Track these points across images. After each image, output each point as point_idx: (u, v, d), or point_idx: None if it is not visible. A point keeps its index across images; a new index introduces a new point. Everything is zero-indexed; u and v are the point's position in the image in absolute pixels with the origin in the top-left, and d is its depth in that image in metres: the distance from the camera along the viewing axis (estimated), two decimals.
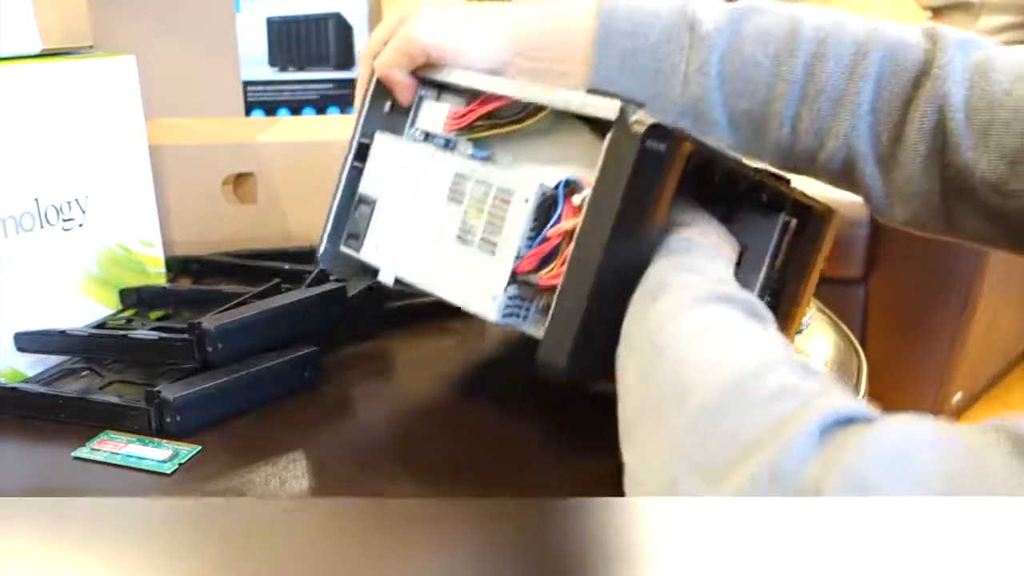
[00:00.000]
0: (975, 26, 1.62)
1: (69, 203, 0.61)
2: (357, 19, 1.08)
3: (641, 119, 0.41)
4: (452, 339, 0.65)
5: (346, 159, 0.57)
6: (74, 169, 0.61)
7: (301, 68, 1.08)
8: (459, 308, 0.66)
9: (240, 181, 0.78)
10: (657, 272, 0.42)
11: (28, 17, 0.59)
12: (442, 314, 0.66)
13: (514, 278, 0.45)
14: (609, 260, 0.41)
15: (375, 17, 1.08)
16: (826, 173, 0.55)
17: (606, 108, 0.43)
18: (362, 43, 1.09)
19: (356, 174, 0.56)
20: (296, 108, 1.09)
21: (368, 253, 0.54)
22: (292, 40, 1.07)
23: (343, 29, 1.08)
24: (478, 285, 0.46)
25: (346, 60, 1.09)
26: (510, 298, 0.45)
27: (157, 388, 0.51)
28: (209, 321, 0.54)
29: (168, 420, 0.51)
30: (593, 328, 0.41)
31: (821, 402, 0.31)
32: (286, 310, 0.57)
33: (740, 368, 0.34)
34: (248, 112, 1.08)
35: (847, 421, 0.30)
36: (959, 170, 0.50)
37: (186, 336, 0.54)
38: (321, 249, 0.57)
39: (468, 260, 0.47)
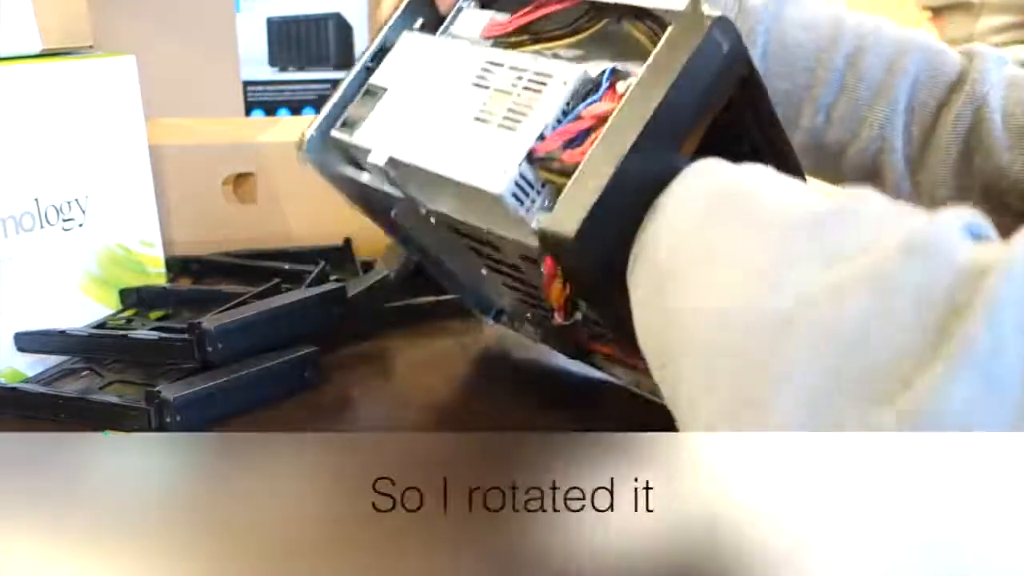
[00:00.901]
0: (975, 26, 1.62)
1: (69, 203, 0.61)
2: (357, 19, 1.08)
3: (712, 13, 0.39)
4: (452, 339, 0.65)
5: (359, 58, 0.51)
6: (74, 169, 0.61)
7: (301, 68, 1.08)
8: (460, 307, 0.66)
9: (240, 181, 0.78)
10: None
11: (28, 17, 0.59)
12: (442, 314, 0.67)
13: (531, 158, 0.41)
14: (640, 150, 0.37)
15: (375, 17, 1.08)
16: (852, 168, 0.55)
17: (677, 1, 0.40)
18: (362, 43, 1.09)
19: (367, 74, 0.50)
20: (296, 108, 1.09)
21: (362, 136, 0.48)
22: (292, 40, 1.08)
23: (343, 29, 1.08)
24: (489, 159, 0.41)
25: (346, 60, 1.09)
26: (522, 176, 0.40)
27: (157, 388, 0.51)
28: (209, 321, 0.54)
29: (168, 420, 0.51)
30: (608, 213, 0.37)
31: (944, 215, 0.26)
32: (286, 310, 0.57)
33: (827, 201, 0.30)
34: (248, 112, 1.08)
35: (979, 236, 0.26)
36: (990, 174, 0.51)
37: (186, 336, 0.54)
38: (308, 135, 0.50)
39: (482, 137, 0.43)
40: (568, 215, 0.37)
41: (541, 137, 0.40)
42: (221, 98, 1.07)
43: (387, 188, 0.49)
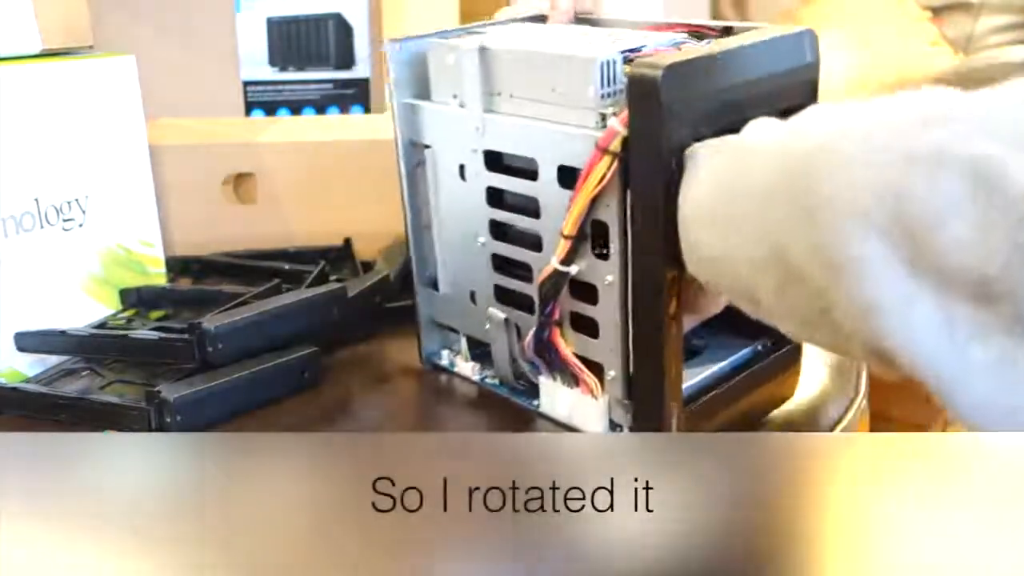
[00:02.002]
0: (975, 26, 1.62)
1: (69, 203, 0.61)
2: (357, 19, 1.08)
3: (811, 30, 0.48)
4: None
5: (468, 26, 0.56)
6: (74, 169, 0.61)
7: (301, 68, 1.08)
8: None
9: (240, 181, 0.78)
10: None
11: (28, 17, 0.59)
12: None
13: (626, 60, 0.45)
14: (714, 70, 0.43)
15: (375, 17, 1.08)
16: None
17: None
18: (362, 43, 1.09)
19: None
20: (296, 108, 1.09)
21: (456, 42, 0.52)
22: (292, 40, 1.08)
23: (343, 29, 1.08)
24: (585, 47, 0.47)
25: (346, 60, 1.09)
26: (613, 64, 0.45)
27: (157, 388, 0.51)
28: (209, 321, 0.54)
29: (168, 420, 0.51)
30: (691, 79, 0.41)
31: None
32: (286, 310, 0.57)
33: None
34: (248, 112, 1.08)
35: None
36: None
37: (186, 336, 0.54)
38: (406, 35, 0.54)
39: (584, 38, 0.49)
40: (660, 61, 0.41)
41: (638, 49, 0.45)
42: (221, 98, 1.06)
43: (445, 105, 0.52)
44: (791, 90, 0.47)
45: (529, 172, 0.50)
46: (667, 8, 1.16)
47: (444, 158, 0.54)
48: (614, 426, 0.51)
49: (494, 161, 0.52)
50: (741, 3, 1.90)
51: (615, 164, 0.43)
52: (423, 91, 0.55)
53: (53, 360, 0.59)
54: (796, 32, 0.47)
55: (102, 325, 0.63)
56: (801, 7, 1.78)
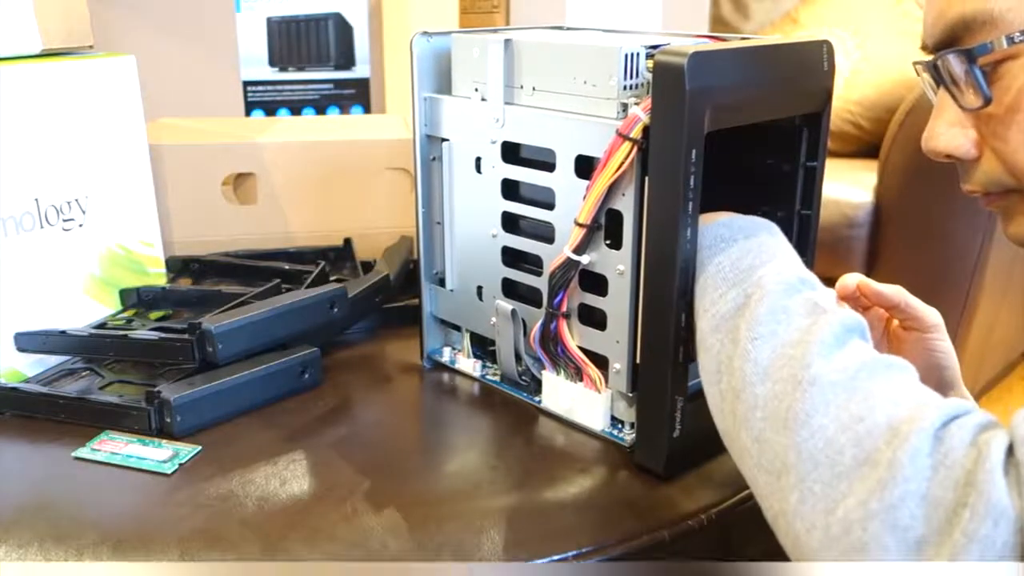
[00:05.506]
0: None
1: (69, 203, 0.61)
2: (357, 19, 1.08)
3: (829, 40, 0.50)
4: None
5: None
6: (74, 169, 0.61)
7: (301, 68, 1.08)
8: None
9: (240, 181, 0.78)
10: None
11: (28, 17, 0.59)
12: None
13: (648, 55, 0.47)
14: (741, 60, 0.45)
15: (375, 17, 1.08)
16: None
17: None
18: (362, 43, 1.09)
19: None
20: (296, 108, 1.09)
21: (484, 36, 0.55)
22: (292, 40, 1.08)
23: (343, 29, 1.08)
24: (609, 41, 0.49)
25: (346, 60, 1.09)
26: (635, 56, 0.47)
27: (157, 388, 0.51)
28: (210, 321, 0.54)
29: (168, 420, 0.51)
30: (713, 67, 0.43)
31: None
32: (286, 310, 0.57)
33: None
34: (248, 112, 1.08)
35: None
36: None
37: (186, 336, 0.54)
38: (430, 31, 0.55)
39: (608, 35, 0.53)
40: (685, 50, 0.42)
41: (661, 46, 0.46)
42: (221, 98, 1.07)
43: (467, 98, 0.54)
44: (807, 96, 0.49)
45: (545, 164, 0.51)
46: (667, 9, 1.16)
47: (461, 151, 0.55)
48: (615, 421, 0.51)
49: (511, 153, 0.53)
50: (741, 5, 1.90)
51: (634, 151, 0.44)
52: (443, 86, 0.57)
53: (53, 360, 0.59)
54: (814, 40, 0.48)
55: (102, 325, 0.62)
56: (801, 7, 1.78)
